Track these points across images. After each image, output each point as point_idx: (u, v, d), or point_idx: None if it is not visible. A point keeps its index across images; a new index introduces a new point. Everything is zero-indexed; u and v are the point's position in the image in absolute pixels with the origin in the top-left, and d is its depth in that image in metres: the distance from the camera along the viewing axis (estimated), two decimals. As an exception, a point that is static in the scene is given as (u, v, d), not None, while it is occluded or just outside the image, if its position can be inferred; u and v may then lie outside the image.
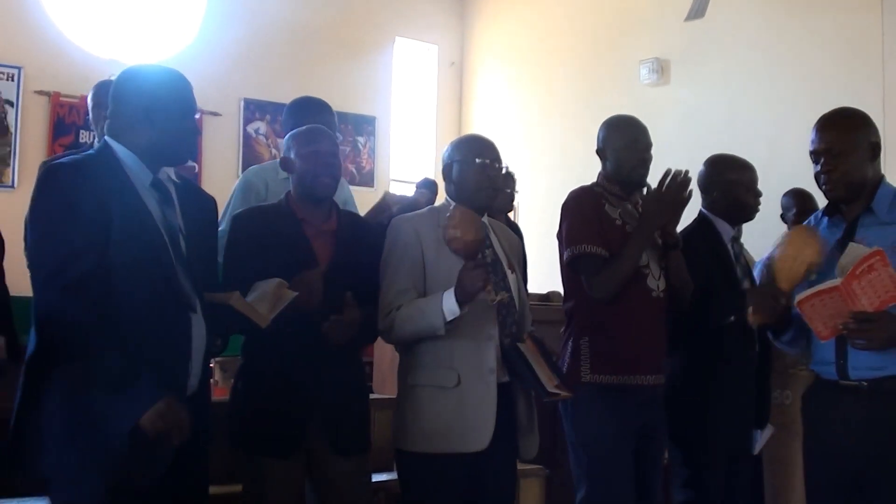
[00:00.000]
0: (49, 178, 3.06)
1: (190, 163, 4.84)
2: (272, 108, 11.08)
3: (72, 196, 2.97)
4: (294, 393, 3.67)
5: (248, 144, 11.01)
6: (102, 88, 4.92)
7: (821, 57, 8.57)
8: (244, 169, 10.69)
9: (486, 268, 3.64)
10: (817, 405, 3.67)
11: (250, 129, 11.05)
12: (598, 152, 4.36)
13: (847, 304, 3.34)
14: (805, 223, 3.84)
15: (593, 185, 4.31)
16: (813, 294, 3.39)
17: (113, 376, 2.86)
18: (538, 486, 5.02)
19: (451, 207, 3.73)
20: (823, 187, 3.65)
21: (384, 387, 5.28)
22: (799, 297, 3.43)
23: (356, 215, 4.18)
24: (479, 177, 3.85)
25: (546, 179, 10.34)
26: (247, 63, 10.83)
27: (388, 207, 4.56)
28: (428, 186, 6.63)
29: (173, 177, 3.34)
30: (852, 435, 3.47)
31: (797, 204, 5.80)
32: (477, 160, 3.84)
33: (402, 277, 3.75)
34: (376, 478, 4.16)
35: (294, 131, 3.99)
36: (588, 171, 9.25)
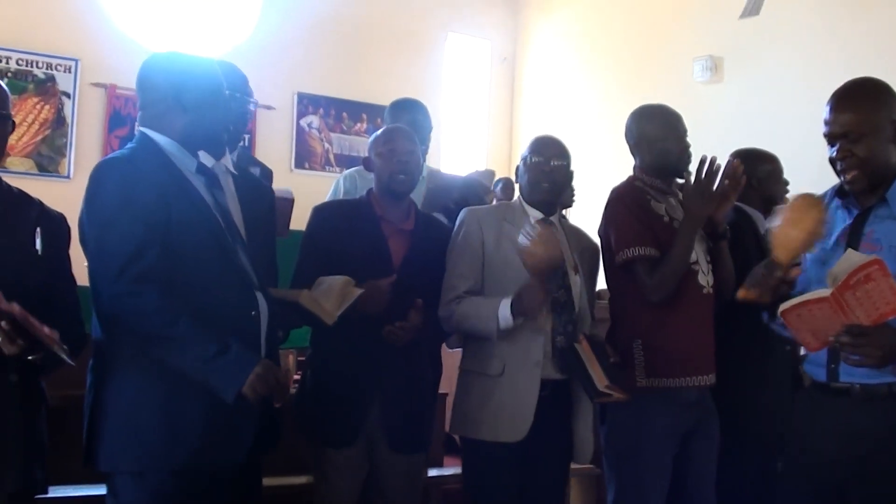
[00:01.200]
0: (103, 173, 3.08)
1: (289, 194, 4.89)
2: (325, 102, 11.15)
3: (128, 190, 3.00)
4: (356, 384, 3.74)
5: (301, 138, 11.07)
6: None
7: (876, 56, 8.48)
8: (297, 163, 10.79)
9: (546, 291, 3.67)
10: (806, 410, 3.41)
11: (303, 122, 11.11)
12: (634, 146, 4.19)
13: (839, 315, 2.97)
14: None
15: (633, 179, 4.18)
16: (799, 304, 3.02)
17: (203, 352, 2.91)
18: (589, 485, 5.02)
19: (535, 223, 3.79)
20: (841, 176, 3.29)
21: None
22: (783, 306, 3.04)
23: (434, 218, 4.23)
24: (534, 173, 3.90)
25: (598, 177, 10.31)
26: (300, 57, 10.90)
27: (437, 190, 4.59)
28: (504, 186, 6.70)
29: (230, 168, 3.38)
30: (840, 442, 3.23)
31: None
32: (534, 158, 3.90)
33: (463, 264, 3.84)
34: (430, 473, 4.19)
35: (376, 133, 4.13)
36: (639, 168, 9.27)
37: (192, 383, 2.95)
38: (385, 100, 5.46)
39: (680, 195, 4.13)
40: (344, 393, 3.75)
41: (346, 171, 5.35)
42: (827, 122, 3.27)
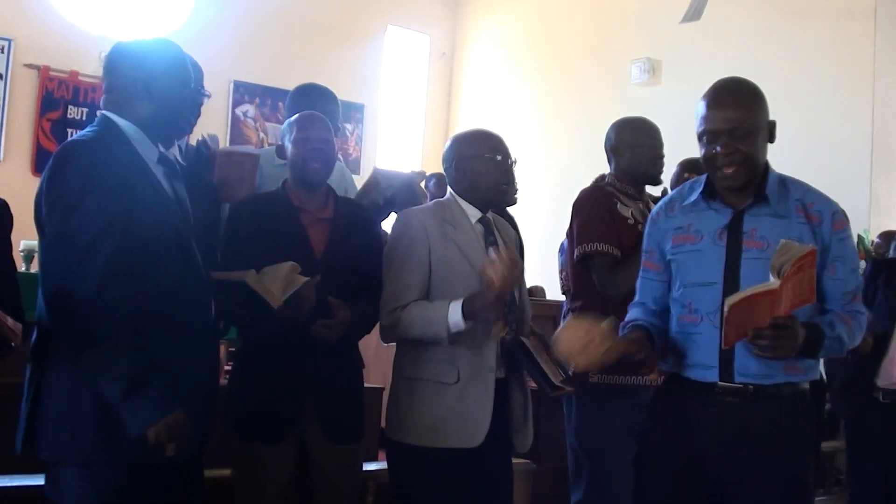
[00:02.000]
0: (66, 157, 3.00)
1: (252, 149, 4.76)
2: (261, 91, 11.08)
3: (93, 175, 2.93)
4: (288, 379, 3.67)
5: (237, 127, 10.98)
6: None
7: (812, 64, 8.63)
8: (231, 151, 10.69)
9: (503, 304, 3.63)
10: (678, 409, 3.29)
11: (239, 111, 11.03)
12: (611, 150, 4.33)
13: (771, 308, 2.93)
14: (672, 195, 3.47)
15: (604, 183, 4.29)
16: (745, 297, 2.92)
17: (128, 378, 2.84)
18: (525, 480, 5.04)
19: (498, 248, 3.75)
20: (720, 173, 3.17)
21: (367, 377, 5.31)
22: (731, 300, 2.93)
23: (354, 203, 4.15)
24: (496, 173, 3.85)
25: (533, 174, 10.37)
26: (238, 45, 10.80)
27: (377, 184, 4.51)
28: (437, 182, 6.65)
29: (179, 158, 3.33)
30: (723, 440, 3.18)
31: None
32: (497, 157, 3.84)
33: (408, 273, 3.72)
34: (365, 467, 4.16)
35: (289, 119, 4.01)
36: (575, 166, 9.35)
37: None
38: (324, 90, 5.36)
39: (648, 202, 4.22)
40: (275, 388, 3.67)
41: None
42: (709, 119, 3.16)
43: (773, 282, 2.90)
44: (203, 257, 3.21)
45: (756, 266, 3.10)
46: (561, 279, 6.26)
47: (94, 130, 3.11)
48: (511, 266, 3.56)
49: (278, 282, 3.48)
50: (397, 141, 12.40)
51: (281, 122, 10.97)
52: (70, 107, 9.85)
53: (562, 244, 6.36)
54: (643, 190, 4.29)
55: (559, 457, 4.24)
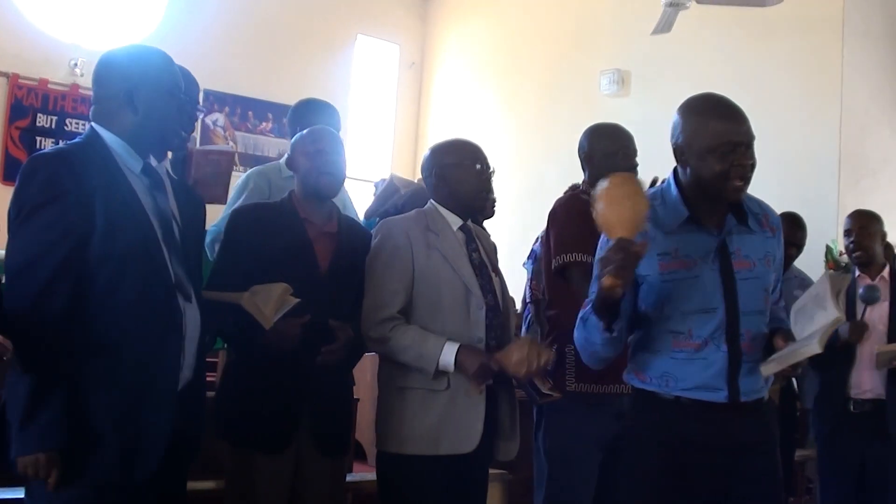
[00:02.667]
0: (32, 168, 2.97)
1: (228, 147, 4.77)
2: (231, 100, 11.07)
3: (54, 187, 2.89)
4: (287, 391, 3.67)
5: (206, 135, 10.95)
6: None
7: (780, 76, 8.71)
8: (200, 160, 10.68)
9: (493, 371, 3.63)
10: (675, 426, 3.25)
11: (209, 120, 11.00)
12: (585, 158, 4.32)
13: None
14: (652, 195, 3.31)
15: (579, 192, 4.28)
16: None
17: (23, 401, 2.80)
18: (500, 490, 5.05)
19: (522, 337, 3.83)
20: (730, 185, 3.10)
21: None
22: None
23: (355, 220, 4.18)
24: (477, 182, 3.87)
25: (502, 184, 10.38)
26: (207, 54, 10.74)
27: (396, 190, 4.54)
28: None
29: (170, 171, 3.31)
30: (726, 454, 3.21)
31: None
32: (477, 166, 3.87)
33: (393, 281, 3.72)
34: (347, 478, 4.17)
35: (301, 132, 4.02)
36: (544, 176, 9.41)
37: (100, 399, 2.89)
38: (292, 100, 5.39)
39: None
40: (275, 397, 3.67)
41: (257, 168, 5.18)
42: (731, 132, 3.10)
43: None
44: (188, 271, 3.17)
45: (749, 287, 3.14)
46: (529, 287, 6.25)
47: (73, 143, 3.10)
48: (536, 359, 3.57)
49: (271, 303, 3.49)
50: (367, 149, 12.40)
51: (250, 132, 10.94)
52: (39, 115, 9.82)
53: (532, 251, 6.36)
54: None
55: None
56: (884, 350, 5.05)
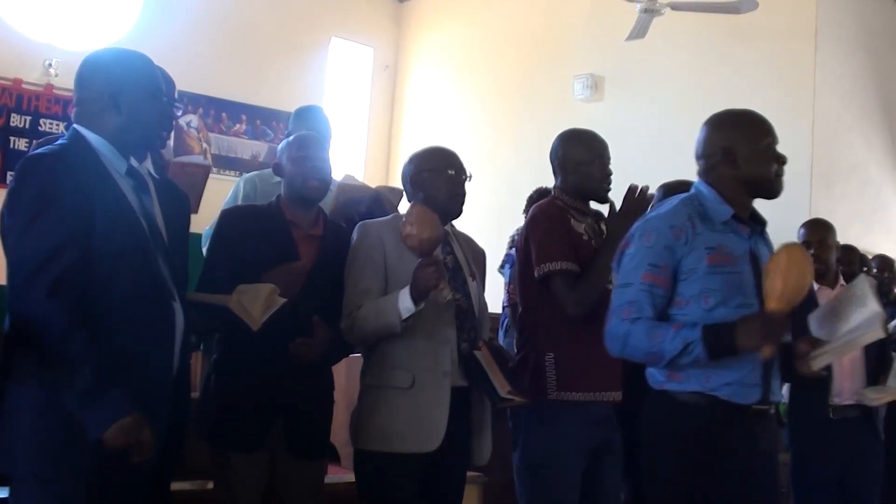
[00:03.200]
0: (29, 169, 2.99)
1: (203, 160, 4.84)
2: (205, 102, 11.04)
3: (52, 188, 2.91)
4: (261, 392, 3.71)
5: (179, 137, 10.89)
6: None
7: (753, 83, 8.76)
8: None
9: (441, 265, 3.67)
10: (715, 430, 3.32)
11: (182, 121, 10.95)
12: (559, 164, 4.28)
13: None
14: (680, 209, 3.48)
15: (554, 198, 4.26)
16: None
17: (82, 383, 2.82)
18: (477, 493, 5.07)
19: (410, 205, 3.77)
20: (779, 187, 3.42)
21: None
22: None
23: (341, 226, 4.21)
24: (450, 187, 3.93)
25: (475, 188, 10.39)
26: (182, 55, 10.69)
27: (348, 199, 4.62)
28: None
29: (151, 171, 3.32)
30: (753, 457, 3.35)
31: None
32: (449, 171, 3.93)
33: (365, 279, 3.79)
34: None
35: (287, 138, 4.14)
36: (517, 180, 9.45)
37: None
38: (266, 101, 5.48)
39: (595, 217, 4.26)
40: (250, 397, 3.72)
41: (246, 175, 5.30)
42: (776, 141, 3.41)
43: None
44: (172, 271, 3.19)
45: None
46: (507, 291, 6.26)
47: (60, 144, 3.10)
48: (423, 215, 3.63)
49: (258, 303, 3.53)
50: (341, 152, 12.39)
51: (224, 133, 10.95)
52: (13, 115, 9.79)
53: (509, 255, 6.37)
54: (589, 204, 4.29)
55: (511, 471, 4.27)
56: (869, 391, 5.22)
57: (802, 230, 5.52)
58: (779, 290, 3.06)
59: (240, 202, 4.89)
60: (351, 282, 3.82)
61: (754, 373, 3.27)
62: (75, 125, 3.14)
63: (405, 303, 3.64)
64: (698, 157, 3.50)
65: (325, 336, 3.75)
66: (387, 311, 3.68)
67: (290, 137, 4.12)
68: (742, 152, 3.37)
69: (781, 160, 3.39)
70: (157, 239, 3.16)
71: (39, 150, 3.10)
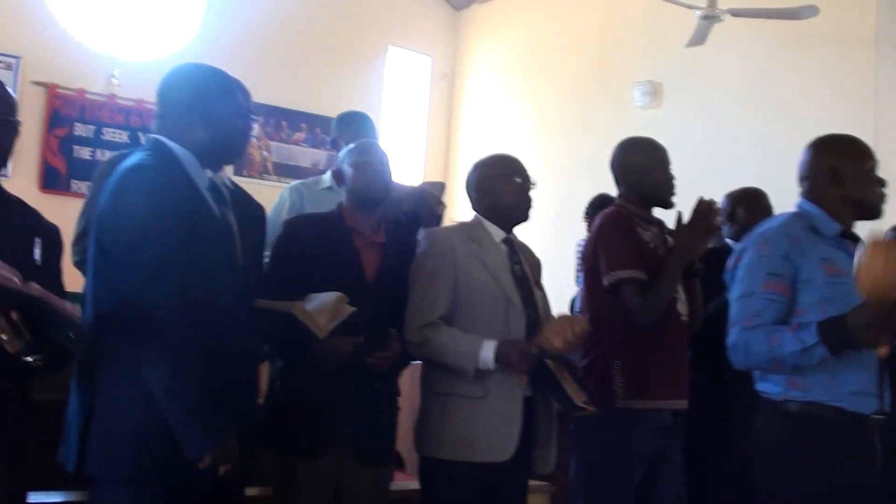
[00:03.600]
0: (135, 179, 3.04)
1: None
2: (265, 111, 11.10)
3: (161, 198, 2.97)
4: (328, 398, 3.74)
5: (241, 146, 10.97)
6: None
7: (814, 90, 8.68)
8: (236, 170, 10.76)
9: (534, 360, 3.68)
10: (834, 442, 3.35)
11: (244, 130, 10.99)
12: (620, 172, 4.31)
13: None
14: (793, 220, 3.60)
15: (619, 206, 4.28)
16: None
17: (190, 405, 2.88)
18: (543, 501, 5.05)
19: (560, 318, 3.75)
20: (880, 208, 3.61)
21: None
22: None
23: (405, 231, 4.24)
24: (517, 194, 3.96)
25: (534, 196, 10.35)
26: (241, 65, 10.62)
27: (399, 201, 4.65)
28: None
29: (227, 182, 3.36)
30: (876, 470, 3.42)
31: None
32: (516, 179, 3.96)
33: (434, 289, 3.79)
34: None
35: (349, 146, 4.14)
36: (576, 188, 9.42)
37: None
38: (325, 110, 5.53)
39: (660, 226, 4.28)
40: (317, 403, 3.74)
41: (291, 184, 5.31)
42: (878, 165, 3.59)
43: None
44: (251, 283, 3.26)
45: None
46: (581, 299, 6.22)
47: (149, 155, 3.14)
48: (579, 335, 3.64)
49: (325, 311, 3.55)
50: (399, 161, 12.43)
51: (284, 142, 10.99)
52: (77, 124, 9.91)
53: (580, 264, 6.38)
54: (652, 212, 4.30)
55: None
56: None
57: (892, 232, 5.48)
58: (868, 282, 3.06)
59: (286, 212, 4.90)
60: (419, 292, 3.82)
61: (873, 383, 3.34)
62: (156, 136, 3.19)
63: (486, 358, 3.66)
64: (802, 179, 3.63)
65: (399, 349, 3.78)
66: (465, 355, 3.69)
67: (352, 145, 4.15)
68: (848, 174, 3.50)
69: (883, 183, 3.53)
70: (237, 252, 3.23)
71: (139, 162, 3.13)
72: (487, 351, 3.66)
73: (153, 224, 2.94)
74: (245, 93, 3.36)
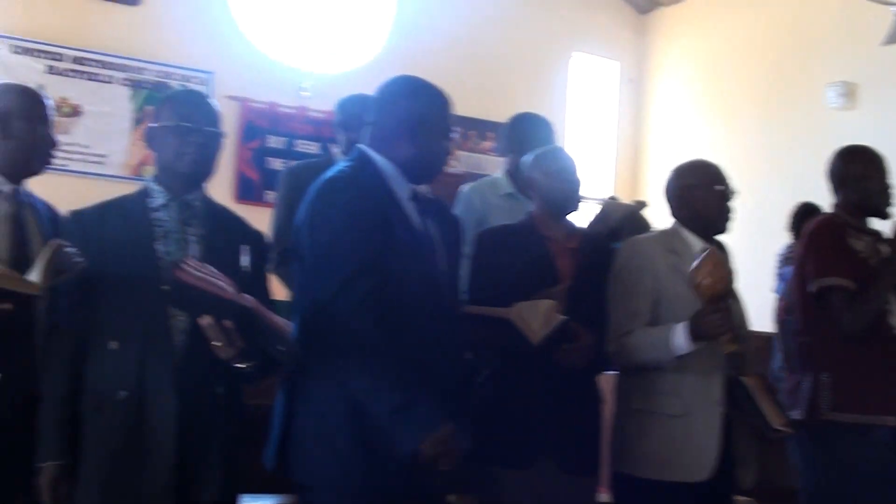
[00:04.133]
0: (332, 189, 3.13)
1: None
2: (454, 120, 11.14)
3: (356, 208, 3.05)
4: (534, 407, 3.74)
5: (430, 155, 11.06)
6: (346, 106, 5.08)
7: None
8: (424, 179, 10.85)
9: (729, 315, 3.58)
10: None
11: (433, 140, 11.09)
12: (837, 181, 4.25)
13: None
14: None
15: (833, 215, 4.22)
16: None
17: (392, 400, 2.92)
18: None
19: (703, 251, 3.68)
20: None
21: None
22: None
23: (596, 236, 4.22)
24: (719, 203, 3.87)
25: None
26: (429, 75, 10.84)
27: (607, 216, 4.57)
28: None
29: (428, 194, 3.40)
30: None
31: None
32: (717, 187, 3.88)
33: (634, 300, 3.75)
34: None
35: (537, 152, 4.12)
36: (766, 192, 9.17)
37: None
38: (508, 118, 5.46)
39: (874, 236, 4.19)
40: (524, 412, 3.74)
41: (472, 185, 5.25)
42: None
43: None
44: (451, 293, 3.29)
45: None
46: (778, 308, 6.09)
47: (349, 166, 3.21)
48: (718, 264, 3.56)
49: (539, 318, 3.55)
50: (587, 168, 12.33)
51: (473, 151, 11.00)
52: (269, 136, 10.16)
53: (782, 273, 6.25)
54: (867, 223, 4.19)
55: (785, 496, 4.17)
56: None
57: None
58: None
59: (472, 212, 4.85)
60: (619, 303, 3.78)
61: None
62: (361, 147, 3.24)
63: (679, 341, 3.58)
64: None
65: (589, 342, 3.72)
66: (659, 346, 3.63)
67: (540, 151, 4.11)
68: None
69: None
70: (441, 262, 3.26)
71: (337, 172, 3.20)
72: (678, 333, 3.58)
73: (346, 234, 3.01)
74: (453, 117, 3.38)
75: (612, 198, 5.09)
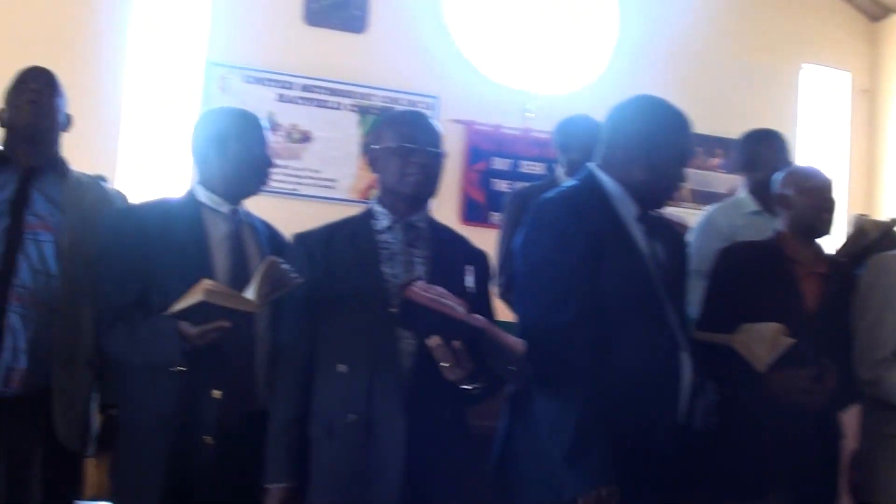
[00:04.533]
0: (545, 211, 3.10)
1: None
2: (683, 138, 11.01)
3: (565, 231, 3.00)
4: (767, 435, 3.60)
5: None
6: (566, 128, 5.09)
7: None
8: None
9: None
10: None
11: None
12: None
13: None
14: None
15: None
16: None
17: (572, 442, 2.85)
18: None
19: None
20: None
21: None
22: None
23: (848, 263, 4.06)
24: None
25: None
26: (653, 93, 10.78)
27: (864, 234, 4.43)
28: None
29: (654, 213, 3.32)
30: None
31: None
32: None
33: (886, 322, 3.59)
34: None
35: (791, 168, 4.04)
36: None
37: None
38: (738, 134, 5.35)
39: None
40: (757, 441, 3.60)
41: (717, 205, 5.18)
42: None
43: None
44: (681, 318, 3.17)
45: None
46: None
47: (571, 186, 3.18)
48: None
49: (765, 343, 3.43)
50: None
51: (700, 168, 10.88)
52: (494, 158, 10.21)
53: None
54: None
55: None
56: None
57: None
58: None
59: (716, 232, 4.75)
60: (868, 326, 3.62)
61: None
62: (590, 166, 3.21)
63: None
64: None
65: (833, 384, 3.53)
66: None
67: (792, 168, 4.01)
68: None
69: None
70: (669, 286, 3.15)
71: (555, 194, 3.18)
72: None
73: (556, 254, 2.97)
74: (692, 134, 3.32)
75: (862, 215, 4.89)
